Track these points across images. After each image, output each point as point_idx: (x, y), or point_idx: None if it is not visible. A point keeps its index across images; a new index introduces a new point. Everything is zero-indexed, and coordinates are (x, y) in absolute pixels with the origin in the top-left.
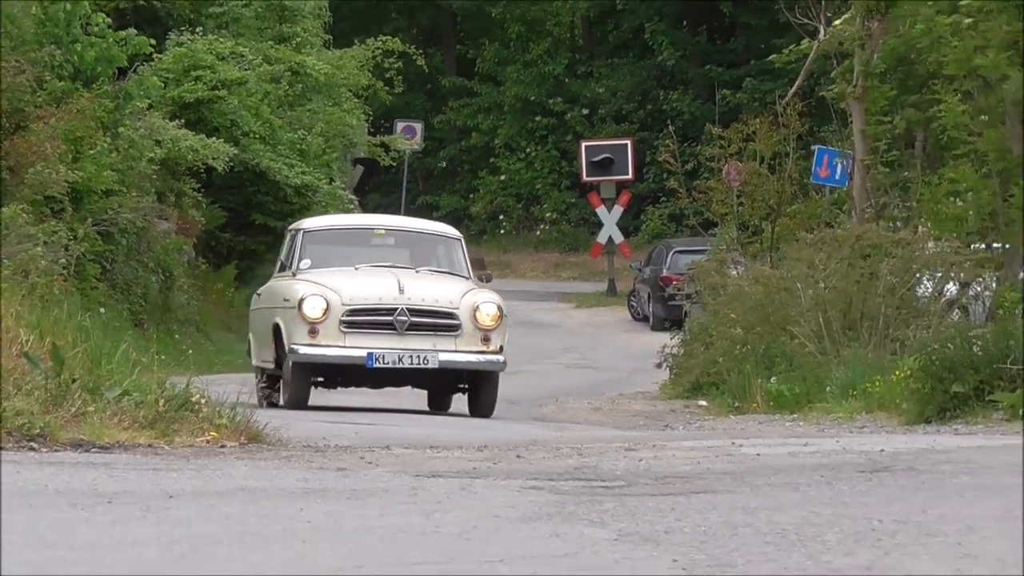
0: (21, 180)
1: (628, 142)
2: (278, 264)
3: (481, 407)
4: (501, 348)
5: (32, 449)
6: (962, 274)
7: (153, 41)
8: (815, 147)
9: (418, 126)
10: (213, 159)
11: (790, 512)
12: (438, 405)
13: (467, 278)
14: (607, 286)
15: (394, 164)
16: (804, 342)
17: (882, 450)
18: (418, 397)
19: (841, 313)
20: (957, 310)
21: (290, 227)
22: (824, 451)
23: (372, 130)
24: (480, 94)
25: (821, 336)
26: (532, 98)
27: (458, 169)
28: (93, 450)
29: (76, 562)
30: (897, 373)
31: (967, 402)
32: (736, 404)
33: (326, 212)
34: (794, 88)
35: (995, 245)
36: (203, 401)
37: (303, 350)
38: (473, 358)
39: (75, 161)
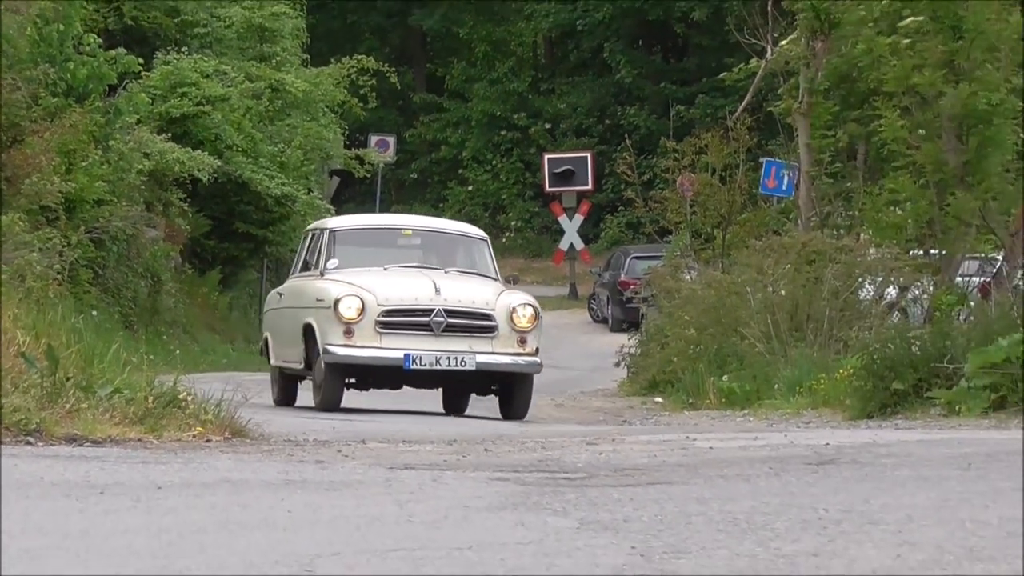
0: (18, 190)
1: (588, 155)
2: (298, 264)
3: (515, 410)
4: (537, 350)
5: (29, 443)
6: (901, 279)
7: (141, 60)
8: (763, 159)
9: (391, 140)
10: (198, 171)
11: (741, 502)
12: (455, 407)
13: (496, 279)
14: (569, 290)
15: (368, 176)
16: (754, 342)
17: (827, 444)
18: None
19: (788, 315)
20: (897, 312)
21: (311, 227)
22: (773, 445)
23: (347, 143)
24: (449, 110)
25: (770, 337)
26: (498, 113)
27: (428, 180)
28: (86, 444)
29: (70, 549)
30: (841, 371)
31: (907, 399)
32: (690, 401)
33: (305, 221)
34: (743, 104)
35: (932, 251)
36: (189, 398)
37: (338, 351)
38: (510, 360)
39: (68, 172)
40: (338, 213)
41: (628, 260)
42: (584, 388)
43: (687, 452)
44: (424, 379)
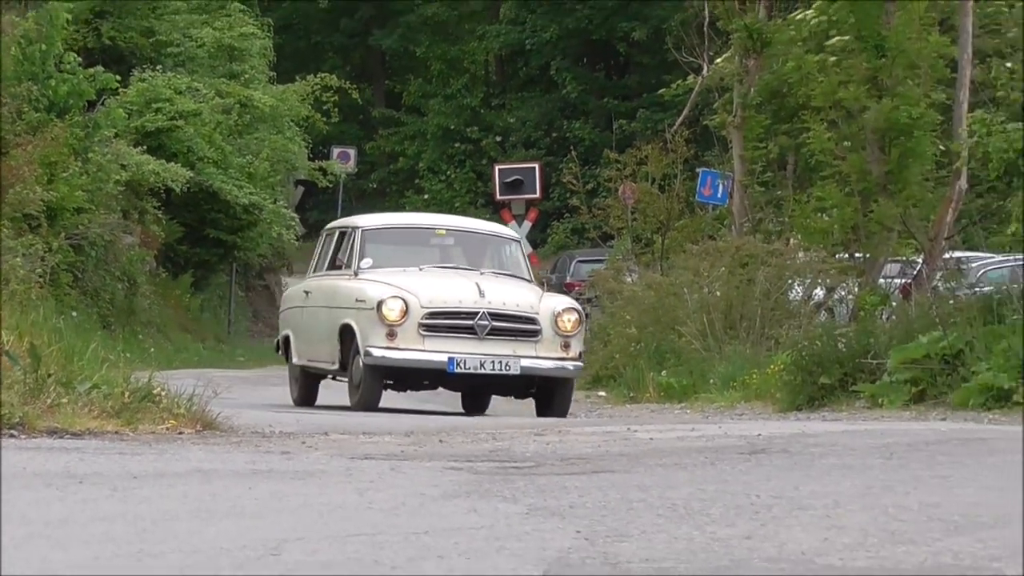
0: (2, 200)
1: (536, 165)
2: (322, 262)
3: (554, 411)
4: (580, 355)
5: (12, 436)
6: (828, 280)
7: (118, 77)
8: (700, 170)
9: (352, 152)
10: (172, 181)
11: (679, 489)
12: (475, 407)
13: (531, 281)
14: None
15: (331, 185)
16: (691, 340)
17: (759, 434)
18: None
19: (723, 315)
20: (824, 312)
21: (334, 225)
22: (709, 436)
23: (311, 155)
24: (406, 123)
25: (705, 335)
26: (452, 127)
27: (387, 190)
28: (66, 437)
29: (51, 536)
30: (772, 367)
31: (833, 392)
32: (631, 395)
33: (271, 228)
34: (681, 118)
35: (857, 255)
36: (163, 393)
37: (380, 352)
38: (554, 364)
39: (50, 183)
40: (303, 221)
41: (573, 263)
42: None
43: (629, 443)
44: (465, 382)
